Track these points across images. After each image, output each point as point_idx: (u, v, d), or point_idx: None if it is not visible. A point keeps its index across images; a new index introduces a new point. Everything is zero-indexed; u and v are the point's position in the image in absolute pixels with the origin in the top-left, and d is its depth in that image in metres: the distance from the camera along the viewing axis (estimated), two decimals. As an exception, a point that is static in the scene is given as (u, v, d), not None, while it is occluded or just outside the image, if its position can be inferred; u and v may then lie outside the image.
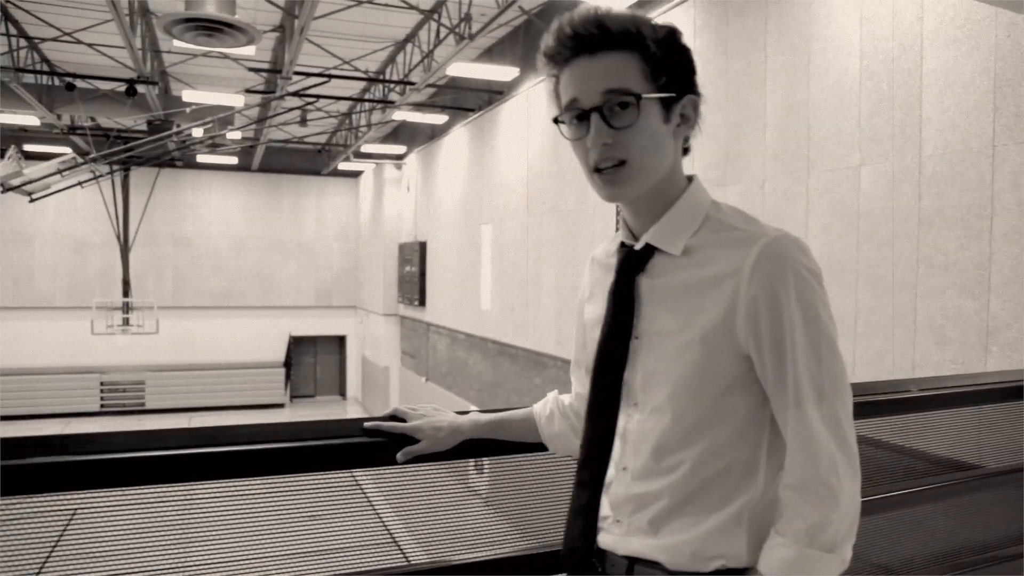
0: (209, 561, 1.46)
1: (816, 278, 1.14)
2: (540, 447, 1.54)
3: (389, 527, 1.85)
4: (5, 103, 12.51)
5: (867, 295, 6.37)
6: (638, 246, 1.24)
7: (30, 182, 12.20)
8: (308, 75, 11.65)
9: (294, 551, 1.51)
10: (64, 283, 19.18)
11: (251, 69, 11.74)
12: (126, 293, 16.57)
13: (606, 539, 1.28)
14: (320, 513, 1.57)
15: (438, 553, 1.64)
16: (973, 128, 5.62)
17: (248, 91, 12.60)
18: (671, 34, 1.19)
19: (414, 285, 16.79)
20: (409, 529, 1.79)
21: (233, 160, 18.81)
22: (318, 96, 12.66)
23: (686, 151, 1.26)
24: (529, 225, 11.94)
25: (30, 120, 14.91)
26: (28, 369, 18.50)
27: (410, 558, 1.63)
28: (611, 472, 1.28)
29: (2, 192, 11.80)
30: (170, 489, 1.39)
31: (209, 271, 20.60)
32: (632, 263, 1.24)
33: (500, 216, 13.00)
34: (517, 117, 12.27)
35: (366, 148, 17.36)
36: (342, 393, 22.58)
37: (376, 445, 1.43)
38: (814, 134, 6.86)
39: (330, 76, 11.83)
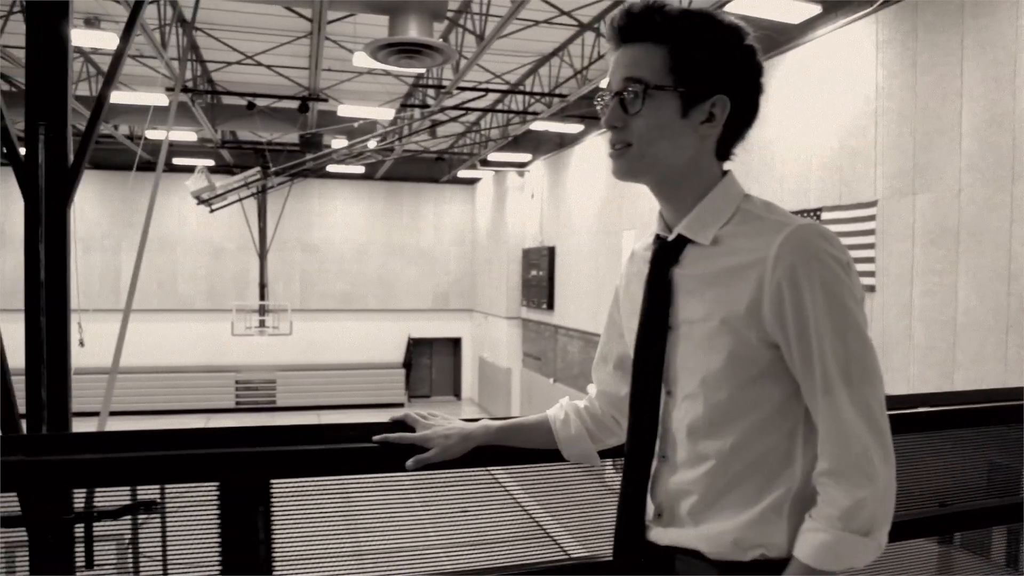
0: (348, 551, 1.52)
1: (842, 266, 1.12)
2: (554, 454, 1.51)
3: (539, 522, 1.87)
4: (175, 121, 13.52)
5: (1082, 299, 6.59)
6: (671, 237, 1.25)
7: (217, 196, 13.19)
8: (463, 89, 12.26)
9: (454, 543, 1.54)
10: (203, 287, 20.39)
11: (416, 85, 12.45)
12: (263, 296, 17.52)
13: (649, 530, 1.28)
14: (470, 507, 1.57)
15: (593, 546, 1.63)
16: None
17: (405, 106, 13.31)
18: (721, 34, 1.21)
19: (541, 289, 17.34)
20: (562, 525, 1.75)
21: (360, 169, 19.70)
22: (468, 109, 13.25)
23: (729, 155, 1.27)
24: (677, 231, 12.33)
25: (187, 136, 15.98)
26: (172, 367, 19.74)
27: (568, 551, 1.66)
28: (654, 463, 1.28)
29: (197, 204, 12.85)
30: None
31: (334, 275, 21.60)
32: (666, 254, 1.25)
33: (645, 222, 13.43)
34: (664, 127, 12.67)
35: (489, 156, 18.01)
36: (456, 394, 23.36)
37: (387, 451, 1.44)
38: (1020, 145, 7.07)
39: (487, 90, 12.40)
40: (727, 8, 8.76)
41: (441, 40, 8.89)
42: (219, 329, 18.87)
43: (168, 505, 1.55)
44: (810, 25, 9.35)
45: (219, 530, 1.42)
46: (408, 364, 22.15)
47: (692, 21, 1.19)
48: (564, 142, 16.69)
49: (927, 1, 7.93)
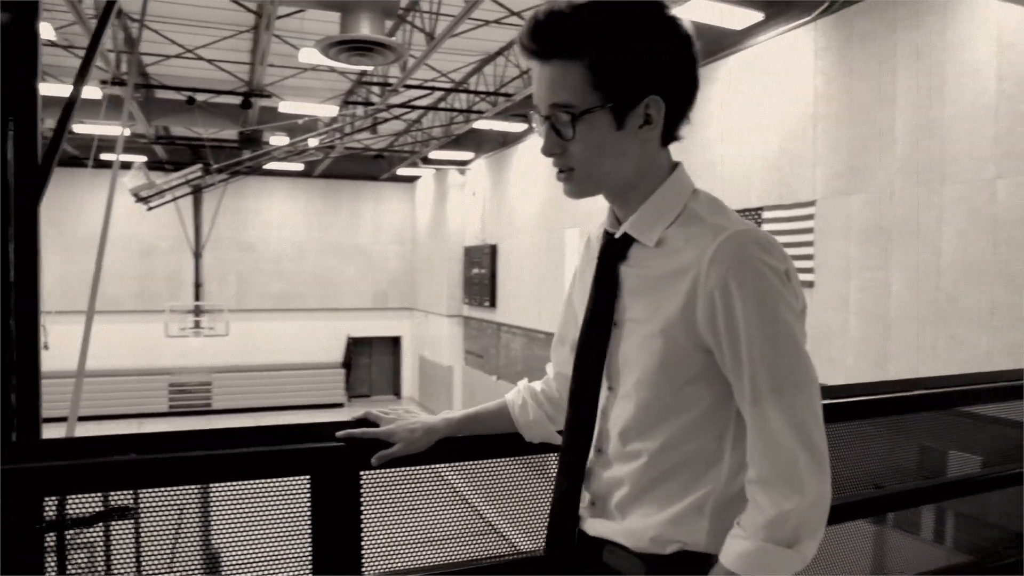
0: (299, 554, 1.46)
1: (777, 275, 1.09)
2: (515, 438, 1.52)
3: (487, 518, 1.89)
4: (105, 115, 13.09)
5: (1003, 292, 7.07)
6: (618, 234, 1.23)
7: (157, 193, 12.76)
8: (409, 87, 12.26)
9: (400, 540, 1.51)
10: (133, 287, 19.66)
11: (362, 83, 12.37)
12: (198, 296, 17.08)
13: (583, 520, 1.29)
14: (416, 505, 1.56)
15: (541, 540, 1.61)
16: (1114, 146, 6.34)
17: (348, 103, 13.20)
18: (637, 22, 1.11)
19: (484, 287, 17.46)
20: (509, 521, 1.72)
21: (298, 167, 19.39)
22: (413, 107, 13.23)
23: (674, 138, 1.22)
24: (622, 230, 12.65)
25: (119, 131, 15.45)
26: (101, 371, 18.93)
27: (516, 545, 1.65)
28: (591, 454, 1.27)
29: (135, 202, 12.41)
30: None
31: (271, 275, 21.22)
32: (613, 252, 1.23)
33: (588, 221, 13.65)
34: (608, 128, 12.99)
35: (430, 154, 18.02)
36: (396, 393, 23.22)
37: (351, 449, 1.44)
38: (947, 149, 7.56)
39: (432, 88, 12.41)
40: (678, 13, 9.04)
41: (393, 38, 8.88)
42: (151, 331, 18.29)
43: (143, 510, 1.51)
44: (752, 31, 9.73)
45: (311, 523, 1.46)
46: (347, 364, 21.99)
47: (602, 20, 1.09)
48: (507, 140, 16.81)
49: (862, 12, 8.38)
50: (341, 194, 21.85)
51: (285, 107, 13.10)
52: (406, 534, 1.60)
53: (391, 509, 1.56)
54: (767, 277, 1.08)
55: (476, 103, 14.09)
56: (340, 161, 19.71)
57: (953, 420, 2.73)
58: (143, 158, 16.87)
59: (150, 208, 13.65)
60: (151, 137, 15.06)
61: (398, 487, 1.55)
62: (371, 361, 23.11)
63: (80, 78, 4.32)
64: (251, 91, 11.79)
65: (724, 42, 10.25)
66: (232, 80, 13.19)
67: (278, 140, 15.34)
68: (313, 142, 15.08)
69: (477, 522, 1.75)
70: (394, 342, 23.26)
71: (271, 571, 1.49)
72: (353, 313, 22.02)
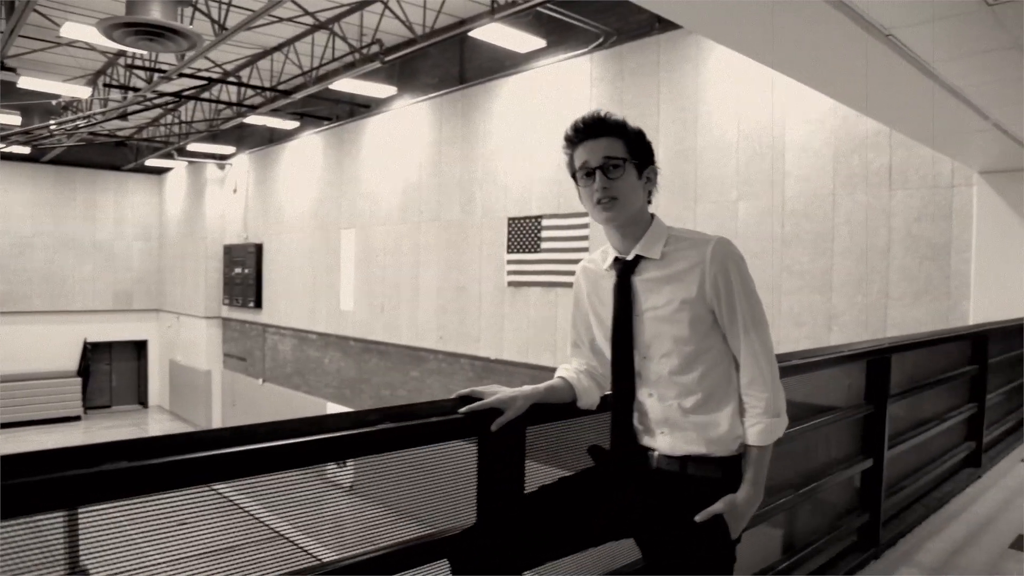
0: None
1: (743, 261, 1.81)
2: (566, 407, 1.96)
3: (279, 531, 1.98)
4: None
5: (742, 294, 8.64)
6: (630, 257, 1.86)
7: None
8: (184, 76, 11.63)
9: (184, 559, 1.43)
10: None
11: (131, 67, 11.36)
12: None
13: (661, 444, 1.86)
14: (195, 523, 1.48)
15: (340, 548, 1.70)
16: (820, 181, 8.07)
17: (109, 85, 12.08)
18: (639, 130, 1.87)
19: (248, 287, 16.75)
20: (298, 529, 1.76)
21: (24, 150, 17.05)
22: (182, 96, 12.53)
23: (649, 201, 1.90)
24: (403, 232, 13.00)
25: None
26: None
27: (316, 555, 1.71)
28: (647, 401, 1.87)
29: None
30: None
31: (-14, 272, 18.33)
32: (628, 268, 1.86)
33: (366, 223, 13.83)
34: (391, 131, 13.24)
35: (188, 146, 16.93)
36: (142, 401, 21.27)
37: (468, 421, 1.77)
38: (700, 174, 9.03)
39: (209, 80, 11.90)
40: (471, 35, 9.69)
41: (190, 26, 8.49)
42: None
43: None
44: (534, 56, 10.67)
45: (477, 475, 1.85)
46: (84, 372, 19.77)
47: (626, 124, 1.86)
48: (274, 137, 16.35)
49: (632, 50, 9.65)
50: (76, 184, 19.62)
51: (26, 83, 11.67)
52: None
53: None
54: (740, 263, 1.80)
55: (249, 97, 13.65)
56: (76, 147, 17.75)
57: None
58: None
59: None
60: None
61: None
62: (112, 368, 21.00)
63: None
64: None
65: (507, 62, 11.10)
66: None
67: (6, 118, 13.52)
68: (52, 124, 13.55)
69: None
70: (139, 346, 21.39)
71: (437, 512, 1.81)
72: (90, 316, 19.86)
